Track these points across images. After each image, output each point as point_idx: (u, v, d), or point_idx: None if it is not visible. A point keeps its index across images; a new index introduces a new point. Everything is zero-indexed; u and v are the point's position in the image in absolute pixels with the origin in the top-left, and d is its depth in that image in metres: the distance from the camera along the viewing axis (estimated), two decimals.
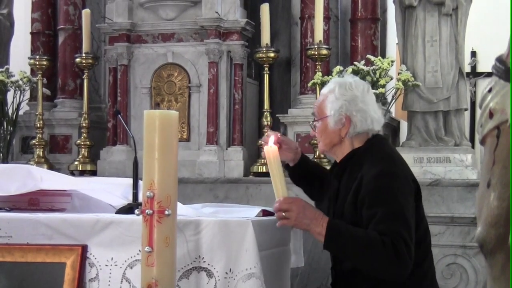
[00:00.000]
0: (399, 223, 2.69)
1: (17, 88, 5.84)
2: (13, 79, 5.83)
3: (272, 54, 5.26)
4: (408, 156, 5.03)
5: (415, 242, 2.72)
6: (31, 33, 6.32)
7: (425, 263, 2.87)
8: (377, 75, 4.95)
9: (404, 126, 5.65)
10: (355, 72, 4.98)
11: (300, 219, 2.75)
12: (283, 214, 2.76)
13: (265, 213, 3.15)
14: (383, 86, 4.94)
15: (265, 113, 5.28)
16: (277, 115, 5.44)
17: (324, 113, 2.96)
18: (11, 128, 5.88)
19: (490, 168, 2.04)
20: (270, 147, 2.87)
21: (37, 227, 2.88)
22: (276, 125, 5.40)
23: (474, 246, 4.71)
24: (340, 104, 2.92)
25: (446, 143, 5.07)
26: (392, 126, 5.68)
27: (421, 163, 5.04)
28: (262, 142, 3.09)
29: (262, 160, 5.25)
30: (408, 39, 5.18)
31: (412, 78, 5.01)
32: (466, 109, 5.21)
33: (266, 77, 5.30)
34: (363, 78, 4.95)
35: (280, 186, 2.81)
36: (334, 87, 2.97)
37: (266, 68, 5.29)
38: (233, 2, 5.47)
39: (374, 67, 4.97)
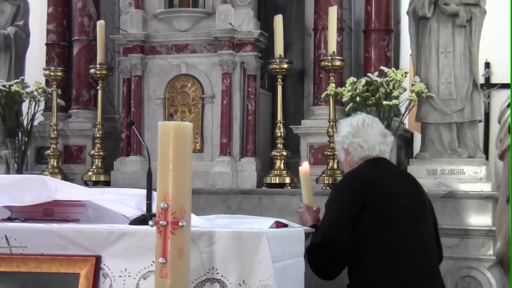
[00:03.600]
0: (319, 230, 3.45)
1: (32, 99, 5.88)
2: (28, 90, 5.88)
3: (285, 65, 5.26)
4: (421, 168, 5.02)
5: (357, 242, 3.29)
6: (46, 44, 6.36)
7: (365, 258, 3.30)
8: (391, 87, 4.94)
9: (417, 138, 5.63)
10: (369, 84, 4.98)
11: (301, 220, 3.74)
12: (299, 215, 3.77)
13: (278, 224, 3.15)
14: (397, 97, 4.92)
15: (278, 124, 5.28)
16: (290, 126, 5.44)
17: (336, 149, 3.79)
18: (26, 139, 5.91)
19: (509, 183, 2.03)
20: (303, 166, 3.87)
21: (51, 238, 2.88)
22: (289, 136, 5.40)
23: (489, 259, 4.69)
24: (338, 140, 3.67)
25: (460, 155, 5.05)
26: (406, 138, 5.66)
27: (434, 175, 5.02)
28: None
29: (275, 171, 5.25)
30: (422, 50, 5.18)
31: (426, 90, 5.00)
32: (480, 121, 5.20)
33: (280, 88, 5.30)
34: (376, 89, 4.95)
35: (305, 195, 3.84)
36: (338, 127, 3.79)
37: (279, 79, 5.29)
38: (247, 14, 5.49)
39: (387, 78, 4.96)
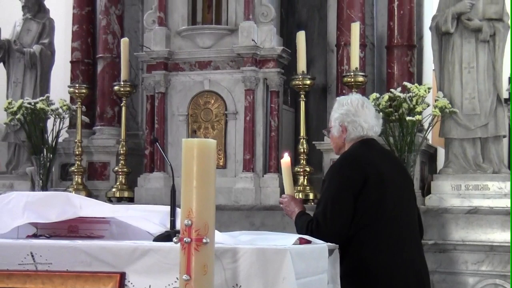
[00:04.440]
0: (320, 208, 3.53)
1: (57, 116, 5.94)
2: (53, 107, 5.94)
3: (308, 81, 5.27)
4: (445, 184, 5.00)
5: (357, 224, 3.42)
6: (71, 61, 6.43)
7: (363, 236, 3.42)
8: (414, 102, 4.93)
9: (441, 153, 5.60)
10: (392, 99, 4.98)
11: (286, 210, 3.84)
12: (281, 204, 3.91)
13: (302, 241, 3.14)
14: (420, 113, 4.92)
15: (301, 140, 5.28)
16: (313, 142, 5.43)
17: (331, 124, 3.81)
18: (51, 155, 5.97)
19: None
20: (285, 159, 3.84)
21: (76, 254, 2.90)
22: (312, 152, 5.40)
23: None
24: (337, 116, 3.73)
25: (485, 171, 5.01)
26: (429, 153, 5.63)
27: (458, 190, 4.99)
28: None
29: (299, 187, 5.25)
30: (445, 66, 5.17)
31: (449, 105, 4.98)
32: (504, 136, 5.16)
33: (302, 104, 5.31)
34: (399, 105, 4.94)
35: (287, 186, 3.87)
36: (336, 104, 3.80)
37: (302, 95, 5.30)
38: (269, 30, 5.51)
39: (410, 94, 4.96)
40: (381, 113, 3.86)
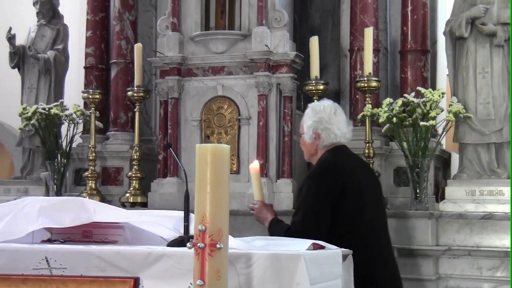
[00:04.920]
0: (300, 217, 3.64)
1: (70, 121, 5.97)
2: (67, 112, 5.97)
3: (321, 87, 5.26)
4: (459, 189, 4.98)
5: (337, 232, 3.55)
6: (85, 67, 6.45)
7: (343, 244, 3.38)
8: (428, 107, 4.91)
9: (455, 159, 5.58)
10: (405, 104, 4.96)
11: (258, 216, 4.01)
12: (252, 211, 4.05)
13: (315, 246, 3.14)
14: (434, 118, 4.90)
15: None
16: None
17: (303, 131, 3.92)
18: (65, 161, 5.99)
19: None
20: (254, 164, 4.00)
21: (90, 259, 2.91)
22: None
23: None
24: (310, 124, 3.87)
25: (499, 176, 4.99)
26: (443, 159, 5.61)
27: (473, 196, 4.97)
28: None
29: None
30: (459, 71, 5.15)
31: (464, 110, 4.96)
32: None
33: None
34: (413, 110, 4.93)
35: (257, 191, 4.03)
36: (309, 111, 3.96)
37: (315, 100, 5.29)
38: (283, 35, 5.51)
39: (424, 99, 4.94)
40: (350, 120, 4.12)
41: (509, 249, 4.67)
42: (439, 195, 5.23)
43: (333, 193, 3.62)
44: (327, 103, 3.99)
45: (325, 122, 3.87)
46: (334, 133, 3.86)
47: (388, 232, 3.93)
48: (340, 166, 3.72)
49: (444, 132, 5.11)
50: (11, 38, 6.65)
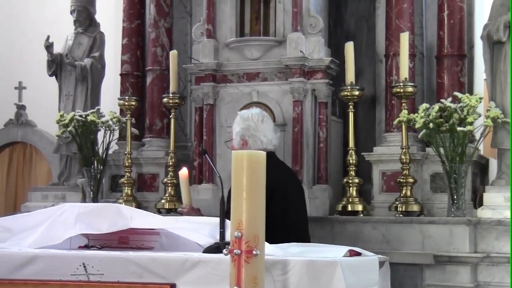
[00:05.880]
0: None
1: (107, 128, 6.01)
2: (103, 119, 6.01)
3: (357, 92, 5.23)
4: (498, 196, 4.91)
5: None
6: (121, 74, 6.50)
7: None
8: (465, 112, 4.85)
9: (493, 164, 5.50)
10: (442, 110, 4.91)
11: None
12: (181, 215, 4.23)
13: (352, 253, 3.12)
14: (471, 123, 4.83)
15: (350, 151, 5.24)
16: (362, 153, 5.39)
17: (232, 137, 4.21)
18: (101, 167, 6.03)
19: None
20: (182, 171, 4.28)
21: (127, 265, 2.93)
22: (361, 164, 5.35)
23: None
24: (238, 130, 4.15)
25: None
26: (481, 164, 5.54)
27: None
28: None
29: (347, 198, 5.21)
30: (497, 75, 5.08)
31: (502, 115, 4.90)
32: None
33: (351, 115, 5.27)
34: (450, 115, 4.87)
35: (185, 196, 4.32)
36: (237, 118, 4.23)
37: (350, 106, 5.27)
38: (318, 41, 5.50)
39: (461, 104, 4.88)
40: (277, 127, 4.45)
41: None
42: (477, 202, 5.16)
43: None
44: (255, 111, 4.27)
45: (252, 129, 4.14)
46: (260, 140, 4.13)
47: (309, 232, 4.29)
48: (269, 174, 3.91)
49: (482, 138, 5.04)
50: (49, 47, 6.74)
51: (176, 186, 5.81)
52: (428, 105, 4.98)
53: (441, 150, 4.92)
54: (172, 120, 5.84)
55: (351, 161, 5.23)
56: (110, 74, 6.95)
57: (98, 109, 6.11)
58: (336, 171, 5.69)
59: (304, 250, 3.24)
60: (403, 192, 5.04)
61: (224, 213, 3.15)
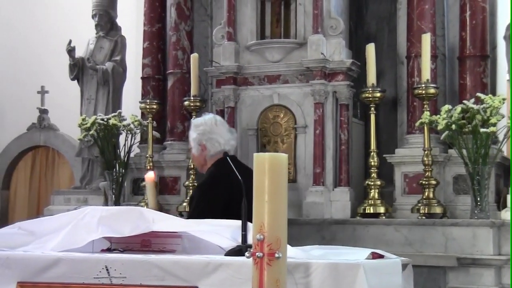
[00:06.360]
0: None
1: (128, 131, 6.03)
2: (125, 122, 6.04)
3: (378, 94, 5.21)
4: None
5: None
6: (142, 77, 6.52)
7: None
8: (488, 113, 4.81)
9: None
10: (464, 111, 4.87)
11: None
12: None
13: (375, 255, 3.10)
14: (494, 124, 4.80)
15: (372, 153, 5.22)
16: (384, 155, 5.37)
17: (191, 145, 4.35)
18: (123, 170, 6.06)
19: None
20: (148, 175, 4.32)
21: (149, 268, 2.93)
22: (382, 166, 5.33)
23: None
24: (195, 137, 4.30)
25: None
26: (504, 166, 5.49)
27: None
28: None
29: (369, 200, 5.19)
30: None
31: None
32: None
33: (372, 117, 5.25)
34: (472, 116, 4.83)
35: (151, 200, 4.31)
36: (192, 126, 4.40)
37: (372, 108, 5.24)
38: (338, 43, 5.48)
39: (484, 105, 4.84)
40: (233, 129, 4.62)
41: None
42: (501, 204, 5.11)
43: (221, 203, 3.99)
44: (207, 116, 4.43)
45: (208, 133, 4.29)
46: (218, 142, 4.28)
47: None
48: (228, 178, 3.89)
49: (505, 139, 4.99)
50: (71, 51, 6.78)
51: None
52: (450, 107, 4.95)
53: (464, 151, 4.88)
54: None
55: (372, 163, 5.21)
56: (131, 77, 6.98)
57: (120, 113, 6.13)
58: (358, 173, 5.66)
59: (327, 252, 3.23)
60: (426, 194, 5.01)
61: (246, 216, 3.15)
